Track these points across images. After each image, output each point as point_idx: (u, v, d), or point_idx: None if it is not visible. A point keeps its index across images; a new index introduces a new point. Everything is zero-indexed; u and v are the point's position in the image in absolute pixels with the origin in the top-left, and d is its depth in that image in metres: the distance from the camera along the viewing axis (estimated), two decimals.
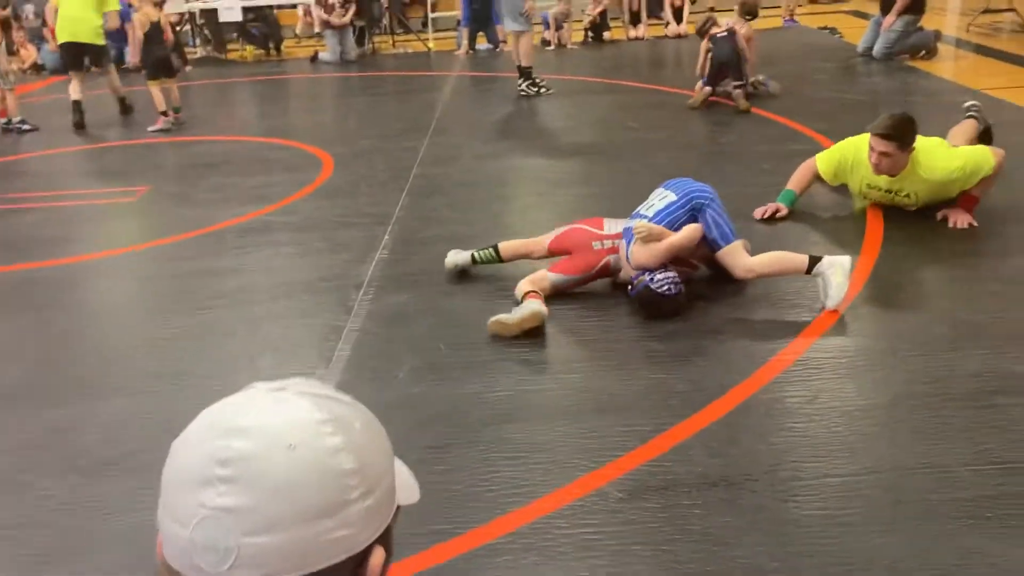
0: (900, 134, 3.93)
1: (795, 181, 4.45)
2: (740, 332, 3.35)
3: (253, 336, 3.56)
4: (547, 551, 2.23)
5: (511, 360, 3.18)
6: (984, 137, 5.10)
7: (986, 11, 10.06)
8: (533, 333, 3.32)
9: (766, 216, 4.37)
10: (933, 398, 2.80)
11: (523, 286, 3.50)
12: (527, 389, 3.01)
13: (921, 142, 4.04)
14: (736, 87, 6.86)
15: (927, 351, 3.10)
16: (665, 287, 3.39)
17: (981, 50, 8.90)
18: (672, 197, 3.61)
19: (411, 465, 0.84)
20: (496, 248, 3.90)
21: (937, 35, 8.76)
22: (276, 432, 0.69)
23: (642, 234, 3.46)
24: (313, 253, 4.43)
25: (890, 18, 8.46)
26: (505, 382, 3.05)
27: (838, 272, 3.35)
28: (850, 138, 4.36)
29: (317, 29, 10.95)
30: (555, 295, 3.57)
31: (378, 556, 0.72)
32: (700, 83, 7.09)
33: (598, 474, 2.53)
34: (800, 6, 9.97)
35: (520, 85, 7.81)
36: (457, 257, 3.95)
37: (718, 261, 3.58)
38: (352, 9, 10.65)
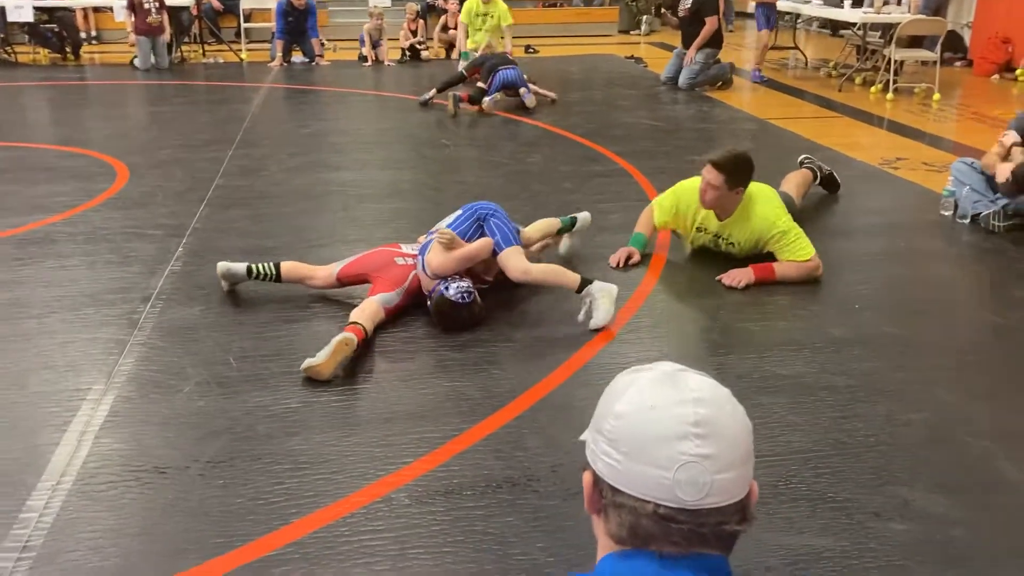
0: (731, 169, 3.83)
1: (641, 224, 4.35)
2: (532, 340, 3.45)
3: (25, 352, 3.32)
4: (325, 559, 2.20)
5: (302, 373, 3.11)
6: (829, 183, 5.25)
7: (774, 47, 10.91)
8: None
9: (620, 265, 4.16)
10: None
11: (353, 316, 3.38)
12: (317, 401, 2.97)
13: (756, 189, 3.99)
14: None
15: (701, 356, 3.31)
16: (459, 296, 3.46)
17: (770, 83, 9.63)
18: (458, 212, 3.78)
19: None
20: (277, 266, 3.78)
21: (732, 67, 9.44)
22: (719, 400, 0.97)
23: (444, 240, 3.54)
24: (100, 265, 4.18)
25: (691, 52, 9.02)
26: (295, 394, 3.00)
27: (606, 298, 3.49)
28: (685, 182, 4.21)
29: (131, 36, 10.26)
30: (388, 320, 3.51)
31: (755, 488, 1.00)
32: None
33: (384, 482, 2.53)
34: (760, 62, 9.79)
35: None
36: (231, 264, 3.80)
37: (499, 264, 3.67)
38: (165, 14, 10.18)
